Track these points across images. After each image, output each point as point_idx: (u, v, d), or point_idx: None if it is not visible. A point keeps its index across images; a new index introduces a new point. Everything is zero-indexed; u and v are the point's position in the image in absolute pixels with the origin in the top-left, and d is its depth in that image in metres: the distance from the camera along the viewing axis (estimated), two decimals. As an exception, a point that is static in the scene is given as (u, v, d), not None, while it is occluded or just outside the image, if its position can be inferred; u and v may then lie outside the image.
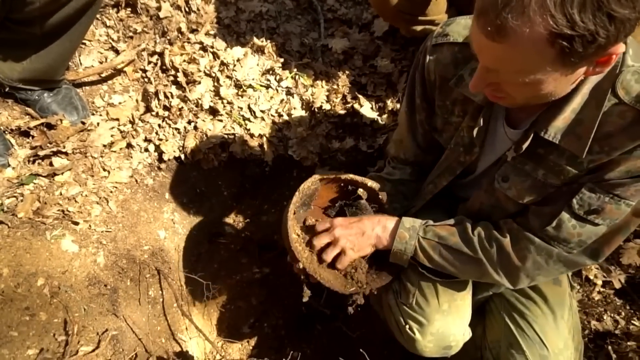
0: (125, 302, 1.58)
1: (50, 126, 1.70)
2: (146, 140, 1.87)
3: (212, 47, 1.99)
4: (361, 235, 1.18)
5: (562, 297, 1.26)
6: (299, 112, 1.98)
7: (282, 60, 2.03)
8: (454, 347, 1.24)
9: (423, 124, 1.23)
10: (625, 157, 0.88)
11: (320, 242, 1.19)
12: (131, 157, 1.83)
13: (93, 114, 1.84)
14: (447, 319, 1.20)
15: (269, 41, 2.05)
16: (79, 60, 1.91)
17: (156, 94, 1.90)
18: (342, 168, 1.99)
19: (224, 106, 1.94)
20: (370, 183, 1.26)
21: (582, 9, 0.65)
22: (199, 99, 1.91)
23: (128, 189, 1.78)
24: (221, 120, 1.93)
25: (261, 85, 1.99)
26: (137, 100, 1.94)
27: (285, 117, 1.97)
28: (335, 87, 2.02)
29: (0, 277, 1.36)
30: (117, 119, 1.86)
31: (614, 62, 0.77)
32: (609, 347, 1.60)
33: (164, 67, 1.96)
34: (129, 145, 1.84)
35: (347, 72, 2.05)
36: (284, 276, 2.09)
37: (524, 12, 0.67)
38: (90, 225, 1.59)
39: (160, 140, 1.88)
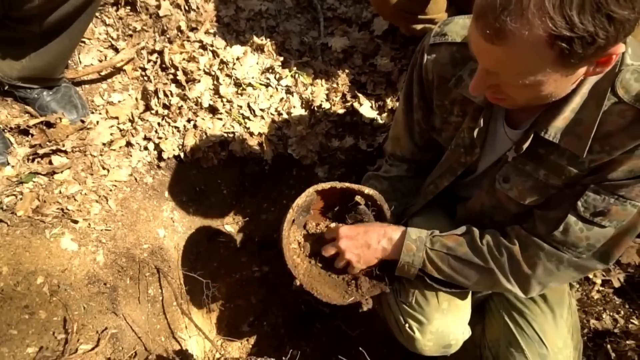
0: (125, 301, 1.59)
1: (49, 124, 1.70)
2: (146, 138, 1.87)
3: (212, 46, 1.99)
4: (367, 248, 1.17)
5: (562, 296, 1.26)
6: (298, 110, 1.97)
7: (281, 58, 2.03)
8: (454, 346, 1.25)
9: (420, 122, 1.23)
10: (627, 156, 0.88)
11: (327, 253, 1.22)
12: (131, 156, 1.83)
13: (92, 113, 1.84)
14: (447, 318, 1.20)
15: (268, 40, 2.05)
16: (79, 58, 1.91)
17: (156, 92, 1.90)
18: (341, 167, 1.99)
19: (224, 105, 1.93)
20: (367, 190, 1.25)
21: (581, 11, 0.64)
22: (199, 97, 1.91)
23: (127, 187, 1.78)
24: (221, 119, 1.93)
25: (261, 84, 1.99)
26: (136, 99, 1.93)
27: (285, 116, 1.97)
28: (334, 85, 2.02)
29: (-1, 276, 1.37)
30: (117, 118, 1.86)
31: (614, 62, 0.76)
32: (608, 346, 1.60)
33: (164, 66, 1.95)
34: (129, 144, 1.84)
35: (346, 70, 2.05)
36: (283, 275, 2.07)
37: (522, 15, 0.67)
38: (89, 224, 1.59)
39: (160, 138, 1.88)
